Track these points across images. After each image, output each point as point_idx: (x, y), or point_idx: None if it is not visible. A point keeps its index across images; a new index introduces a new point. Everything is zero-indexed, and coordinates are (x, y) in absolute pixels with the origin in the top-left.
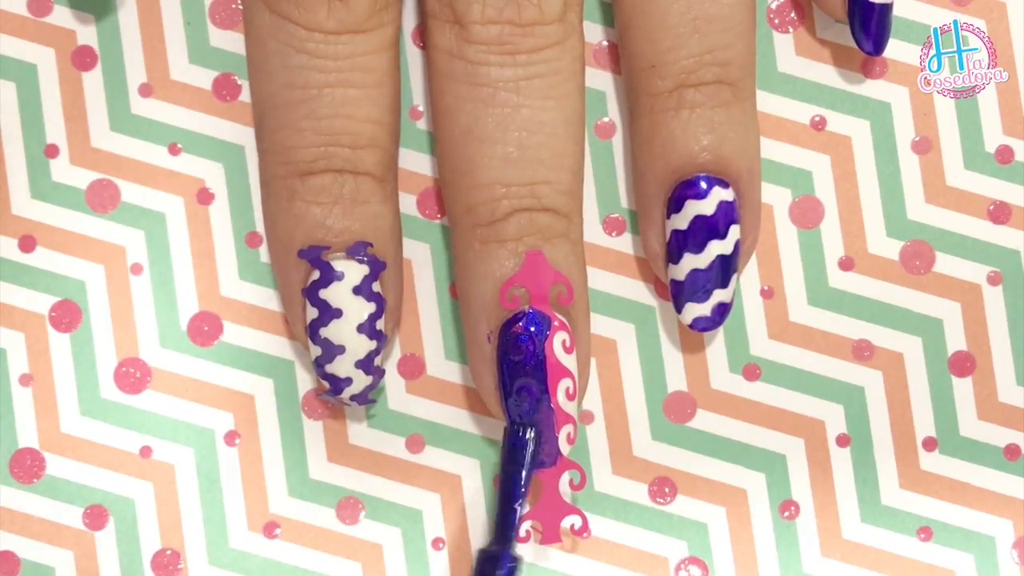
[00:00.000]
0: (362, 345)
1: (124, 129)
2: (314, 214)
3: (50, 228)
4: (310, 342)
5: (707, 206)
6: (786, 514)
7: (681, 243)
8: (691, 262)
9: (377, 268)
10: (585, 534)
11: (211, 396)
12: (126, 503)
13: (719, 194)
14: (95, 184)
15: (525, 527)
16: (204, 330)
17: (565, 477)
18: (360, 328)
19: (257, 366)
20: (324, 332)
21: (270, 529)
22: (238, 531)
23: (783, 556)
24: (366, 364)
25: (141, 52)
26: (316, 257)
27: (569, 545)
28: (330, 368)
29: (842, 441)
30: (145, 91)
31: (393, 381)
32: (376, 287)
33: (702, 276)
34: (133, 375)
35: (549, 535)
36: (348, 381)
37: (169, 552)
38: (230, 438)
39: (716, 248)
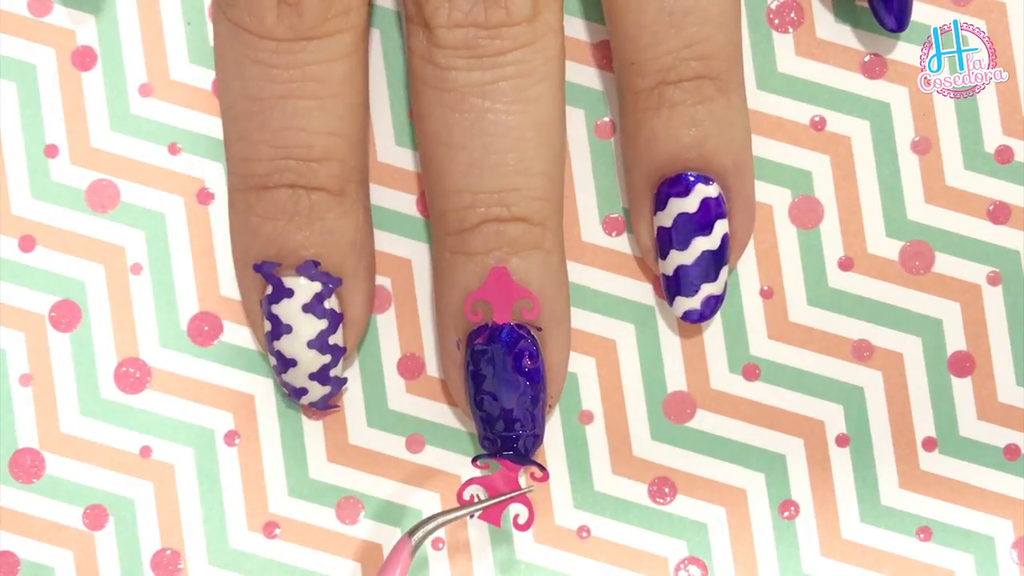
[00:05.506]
0: (314, 360)
1: (124, 129)
2: (268, 230)
3: (50, 228)
4: (267, 352)
5: (690, 204)
6: (786, 514)
7: (667, 240)
8: (677, 258)
9: (331, 285)
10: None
11: (211, 396)
12: (126, 503)
13: (702, 191)
14: (95, 184)
15: (470, 491)
16: (204, 330)
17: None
18: (311, 344)
19: (257, 366)
20: (277, 345)
21: (270, 529)
22: (238, 531)
23: (783, 556)
24: (320, 376)
25: (141, 52)
26: (269, 273)
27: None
28: (286, 378)
29: (841, 441)
30: (145, 91)
31: (393, 381)
32: (329, 304)
33: (689, 271)
34: (133, 375)
35: (490, 514)
36: (304, 391)
37: (169, 552)
38: (230, 438)
39: (701, 244)
